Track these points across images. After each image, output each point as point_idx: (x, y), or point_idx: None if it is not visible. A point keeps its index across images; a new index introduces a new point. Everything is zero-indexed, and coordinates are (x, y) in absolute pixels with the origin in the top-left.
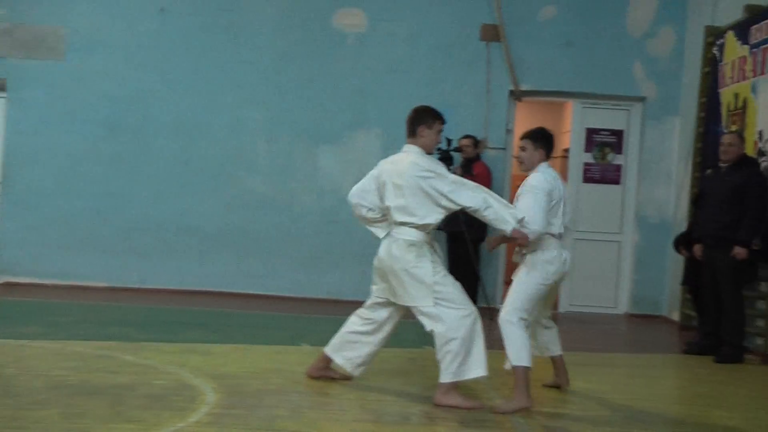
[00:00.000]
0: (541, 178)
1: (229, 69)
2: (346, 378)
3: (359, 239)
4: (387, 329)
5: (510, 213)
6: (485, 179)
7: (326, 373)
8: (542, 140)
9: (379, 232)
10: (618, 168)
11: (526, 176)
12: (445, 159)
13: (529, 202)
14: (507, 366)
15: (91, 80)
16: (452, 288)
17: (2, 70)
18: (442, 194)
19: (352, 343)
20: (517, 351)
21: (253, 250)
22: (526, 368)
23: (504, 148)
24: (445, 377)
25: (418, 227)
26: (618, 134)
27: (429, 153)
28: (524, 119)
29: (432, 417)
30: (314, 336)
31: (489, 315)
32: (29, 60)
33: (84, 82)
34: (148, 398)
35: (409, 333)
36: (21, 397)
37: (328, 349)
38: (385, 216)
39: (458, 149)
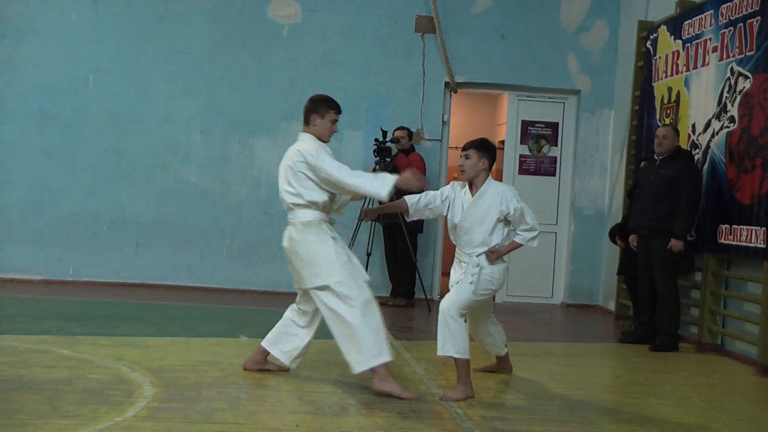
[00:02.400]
0: (513, 191)
1: (163, 59)
2: (283, 370)
3: None
4: (319, 318)
5: (382, 183)
6: (420, 170)
7: (263, 365)
8: (485, 150)
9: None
10: (553, 160)
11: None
12: (382, 150)
13: (529, 213)
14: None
15: (23, 69)
16: (350, 272)
17: None
18: (317, 169)
19: (289, 336)
20: (461, 344)
21: (188, 242)
22: (467, 360)
23: (440, 140)
24: (359, 366)
25: (308, 205)
26: (553, 126)
27: (324, 141)
28: (460, 111)
29: (370, 408)
30: (252, 328)
31: (427, 306)
32: None
33: (15, 71)
34: (85, 393)
35: None
36: None
37: (265, 342)
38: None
39: (394, 140)
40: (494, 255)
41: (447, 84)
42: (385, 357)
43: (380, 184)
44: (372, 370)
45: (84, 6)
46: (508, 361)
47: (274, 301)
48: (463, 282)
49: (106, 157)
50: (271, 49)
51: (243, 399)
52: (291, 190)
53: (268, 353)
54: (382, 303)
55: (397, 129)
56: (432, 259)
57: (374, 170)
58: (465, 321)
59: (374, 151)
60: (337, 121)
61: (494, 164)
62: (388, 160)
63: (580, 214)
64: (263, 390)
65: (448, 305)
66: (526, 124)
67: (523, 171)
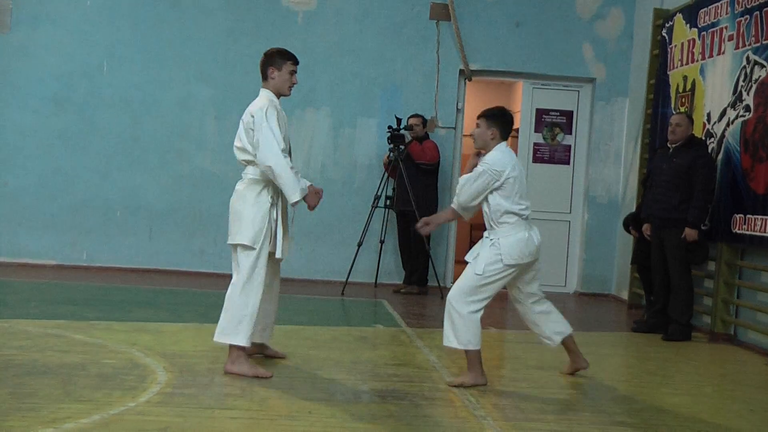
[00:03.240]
0: (496, 157)
1: (177, 45)
2: (280, 357)
3: (309, 216)
4: (275, 284)
5: (297, 189)
6: (434, 158)
7: (262, 351)
8: (494, 119)
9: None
10: (567, 148)
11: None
12: (396, 137)
13: (470, 180)
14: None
15: (38, 54)
16: (263, 245)
17: None
18: (257, 128)
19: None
20: (464, 335)
21: (202, 228)
22: (476, 350)
23: (454, 128)
24: (216, 336)
25: (256, 163)
26: (567, 115)
27: (285, 94)
28: (474, 99)
29: (383, 395)
30: None
31: (440, 293)
32: None
33: (30, 56)
34: (98, 378)
35: (359, 311)
36: None
37: None
38: None
39: (408, 128)
40: (427, 227)
41: (461, 71)
42: (240, 340)
43: (295, 189)
44: (230, 347)
45: None
46: (577, 354)
47: (287, 287)
48: (469, 264)
49: (120, 142)
50: (285, 35)
51: (256, 385)
52: (239, 145)
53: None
54: (396, 290)
55: (412, 116)
56: (445, 247)
57: (388, 158)
58: (477, 311)
59: (388, 138)
60: (295, 72)
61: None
62: (401, 147)
63: (594, 202)
64: (276, 376)
65: (452, 293)
66: (540, 113)
67: (537, 159)
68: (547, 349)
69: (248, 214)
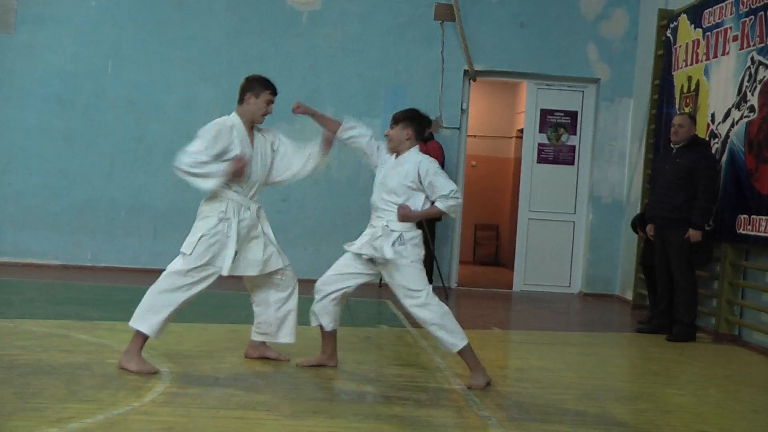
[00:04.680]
0: (430, 159)
1: (181, 45)
2: (281, 358)
3: (312, 218)
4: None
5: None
6: (438, 158)
7: (264, 353)
8: (410, 120)
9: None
10: (572, 149)
11: (480, 155)
12: None
13: (442, 180)
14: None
15: (42, 55)
16: (201, 255)
17: None
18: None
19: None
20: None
21: None
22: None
23: (458, 128)
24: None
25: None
26: (572, 115)
27: (257, 122)
28: (479, 99)
29: (387, 396)
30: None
31: (444, 294)
32: None
33: (35, 56)
34: (102, 378)
35: (363, 312)
36: None
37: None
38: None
39: None
40: (413, 216)
41: (466, 72)
42: (143, 327)
43: (205, 182)
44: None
45: None
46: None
47: None
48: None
49: (124, 143)
50: (289, 35)
51: (260, 386)
52: None
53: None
54: None
55: None
56: (450, 248)
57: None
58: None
59: None
60: (272, 102)
61: (422, 136)
62: None
63: (599, 203)
64: (280, 377)
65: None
66: (544, 113)
67: (541, 160)
68: (551, 349)
69: (196, 226)
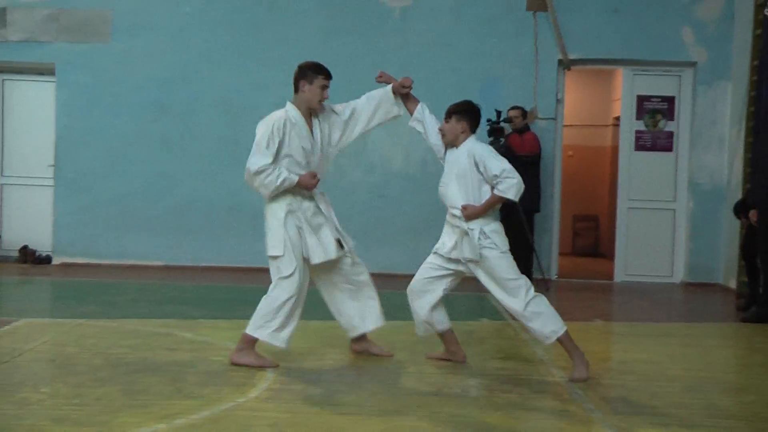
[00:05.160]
0: (482, 144)
1: (274, 47)
2: (385, 355)
3: (409, 213)
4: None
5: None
6: (534, 149)
7: (368, 348)
8: (463, 114)
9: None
10: (670, 135)
11: (577, 145)
12: (494, 131)
13: (494, 161)
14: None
15: (138, 62)
16: (291, 249)
17: (50, 54)
18: None
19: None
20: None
21: None
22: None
23: (554, 118)
24: (250, 329)
25: None
26: (669, 100)
27: (314, 107)
28: (574, 88)
29: (491, 389)
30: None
31: (544, 286)
32: (76, 44)
33: (130, 64)
34: (207, 374)
35: (463, 305)
36: (82, 375)
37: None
38: None
39: (507, 120)
40: (476, 212)
41: (560, 62)
42: (260, 335)
43: (272, 184)
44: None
45: None
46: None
47: (391, 284)
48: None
49: (220, 144)
50: (382, 33)
51: (363, 381)
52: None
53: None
54: None
55: (511, 108)
56: (549, 239)
57: None
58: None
59: (488, 131)
60: (327, 87)
61: (476, 128)
62: (502, 140)
63: (699, 190)
64: (383, 373)
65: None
66: (641, 99)
67: (639, 147)
68: (654, 341)
69: (270, 226)
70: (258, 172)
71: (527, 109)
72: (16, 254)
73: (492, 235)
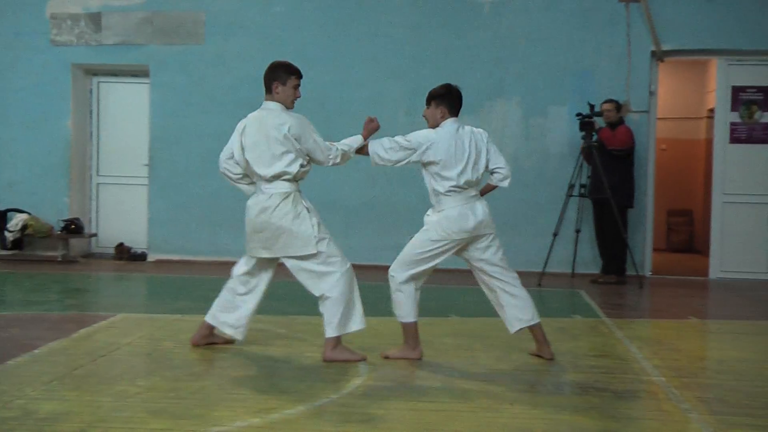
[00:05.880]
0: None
1: (366, 43)
2: (228, 342)
3: (502, 209)
4: (262, 288)
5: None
6: (625, 143)
7: (210, 339)
8: (440, 98)
9: (247, 189)
10: (766, 127)
11: (670, 138)
12: (585, 124)
13: (495, 153)
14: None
15: (230, 62)
16: (330, 242)
17: (144, 56)
18: (305, 140)
19: (232, 307)
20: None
21: (397, 223)
22: (410, 323)
23: (647, 111)
24: (330, 332)
25: (288, 179)
26: (765, 91)
27: (289, 108)
28: (666, 80)
29: (585, 387)
30: (462, 307)
31: (638, 282)
32: (170, 46)
33: (223, 64)
34: (301, 370)
35: (555, 302)
36: (178, 369)
37: (208, 317)
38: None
39: (599, 113)
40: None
41: (653, 53)
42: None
43: (355, 142)
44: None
45: None
46: (542, 343)
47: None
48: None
49: None
50: (473, 27)
51: (456, 377)
52: (271, 159)
53: (213, 327)
54: (593, 280)
55: (605, 102)
56: (643, 235)
57: (582, 148)
58: (413, 286)
59: (579, 126)
60: (299, 86)
61: (457, 111)
62: (594, 135)
63: None
64: (476, 369)
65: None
66: (736, 90)
67: (734, 139)
68: (751, 340)
69: (303, 226)
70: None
71: (620, 101)
72: (112, 251)
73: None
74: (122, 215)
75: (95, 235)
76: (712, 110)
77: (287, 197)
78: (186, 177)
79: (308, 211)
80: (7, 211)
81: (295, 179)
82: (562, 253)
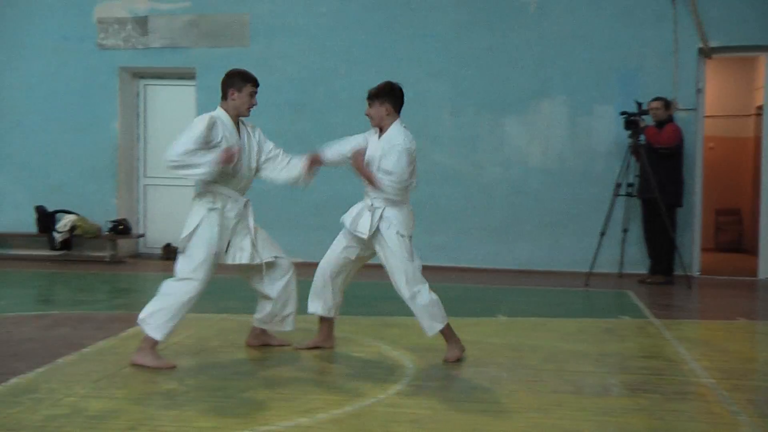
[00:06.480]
0: (402, 137)
1: (410, 43)
2: (283, 345)
3: (548, 209)
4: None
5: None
6: (671, 141)
7: (264, 340)
8: (384, 95)
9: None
10: None
11: (718, 136)
12: (630, 123)
13: (393, 159)
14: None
15: (276, 64)
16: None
17: (191, 59)
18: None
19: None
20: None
21: (442, 223)
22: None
23: (695, 109)
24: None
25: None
26: None
27: (244, 115)
28: (713, 77)
29: (633, 389)
30: (508, 307)
31: (687, 283)
32: (215, 48)
33: (268, 66)
34: (348, 370)
35: (603, 302)
36: (225, 368)
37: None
38: None
39: (646, 112)
40: (364, 169)
41: (701, 50)
42: (156, 335)
43: (196, 171)
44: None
45: None
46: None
47: (530, 280)
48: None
49: None
50: (517, 26)
51: (503, 378)
52: None
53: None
54: (641, 280)
55: (653, 100)
56: (691, 234)
57: (629, 146)
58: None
59: (624, 124)
60: (255, 93)
61: (400, 108)
62: (641, 137)
63: None
64: (523, 369)
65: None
66: None
67: None
68: None
69: (188, 222)
70: (179, 155)
71: (669, 99)
72: (159, 251)
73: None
74: (169, 216)
75: (143, 235)
76: (760, 107)
77: (199, 194)
78: None
79: (204, 212)
80: (56, 212)
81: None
82: (609, 252)
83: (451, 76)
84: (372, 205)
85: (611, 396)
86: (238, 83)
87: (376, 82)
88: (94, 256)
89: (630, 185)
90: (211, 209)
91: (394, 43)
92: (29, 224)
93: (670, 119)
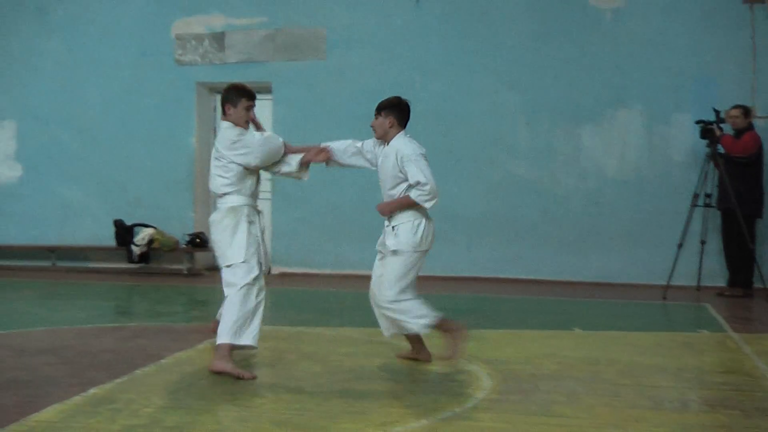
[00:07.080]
0: (411, 146)
1: (485, 53)
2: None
3: (625, 220)
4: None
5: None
6: (747, 150)
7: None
8: (390, 108)
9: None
10: None
11: None
12: (706, 131)
13: (413, 168)
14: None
15: (351, 76)
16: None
17: (267, 73)
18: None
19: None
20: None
21: (518, 235)
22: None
23: None
24: (221, 338)
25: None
26: None
27: (243, 127)
28: None
29: (712, 405)
30: (585, 320)
31: (766, 296)
32: (292, 62)
33: (344, 78)
34: (424, 383)
35: (681, 316)
36: (302, 381)
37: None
38: None
39: (722, 120)
40: (386, 208)
41: None
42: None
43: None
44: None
45: (407, 9)
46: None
47: (607, 292)
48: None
49: (434, 153)
50: (594, 36)
51: (580, 392)
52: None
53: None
54: (719, 293)
55: (733, 108)
56: None
57: (707, 155)
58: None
59: (700, 133)
60: (252, 107)
61: (405, 122)
62: (719, 146)
63: None
64: (600, 384)
65: (382, 295)
66: None
67: None
68: None
69: (233, 239)
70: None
71: (748, 106)
72: None
73: (401, 233)
74: None
75: None
76: None
77: (227, 210)
78: (308, 190)
79: (246, 225)
80: (134, 225)
81: (240, 193)
82: (687, 265)
83: (526, 86)
84: (388, 224)
85: (690, 412)
86: (234, 98)
87: (450, 92)
88: (172, 268)
89: (708, 195)
90: (251, 222)
91: (469, 53)
92: (108, 238)
93: (749, 127)
